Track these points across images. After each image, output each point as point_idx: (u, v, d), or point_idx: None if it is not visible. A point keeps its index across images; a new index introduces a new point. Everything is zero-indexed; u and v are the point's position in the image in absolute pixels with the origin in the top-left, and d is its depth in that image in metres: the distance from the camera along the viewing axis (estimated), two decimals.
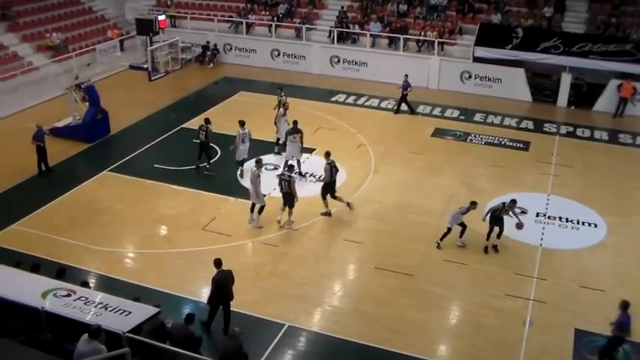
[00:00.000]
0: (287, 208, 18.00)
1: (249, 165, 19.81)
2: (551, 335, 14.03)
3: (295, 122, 21.21)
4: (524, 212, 19.00)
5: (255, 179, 17.69)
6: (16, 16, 31.65)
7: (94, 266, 16.29)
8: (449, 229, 17.07)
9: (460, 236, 17.20)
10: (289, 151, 20.90)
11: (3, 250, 16.18)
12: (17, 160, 21.64)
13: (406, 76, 27.04)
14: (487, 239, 17.11)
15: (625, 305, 12.76)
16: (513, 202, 16.93)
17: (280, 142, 22.34)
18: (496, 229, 17.01)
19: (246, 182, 19.38)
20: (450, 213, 17.42)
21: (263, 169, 18.45)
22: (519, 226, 17.04)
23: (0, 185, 20.32)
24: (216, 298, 13.64)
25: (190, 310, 13.86)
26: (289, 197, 17.82)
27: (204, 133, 20.99)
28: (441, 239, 17.16)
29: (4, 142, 23.46)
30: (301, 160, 21.11)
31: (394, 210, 19.26)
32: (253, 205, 18.12)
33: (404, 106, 27.23)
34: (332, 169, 18.61)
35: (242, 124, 20.59)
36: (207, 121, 21.42)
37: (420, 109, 27.84)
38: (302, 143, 20.92)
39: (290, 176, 17.83)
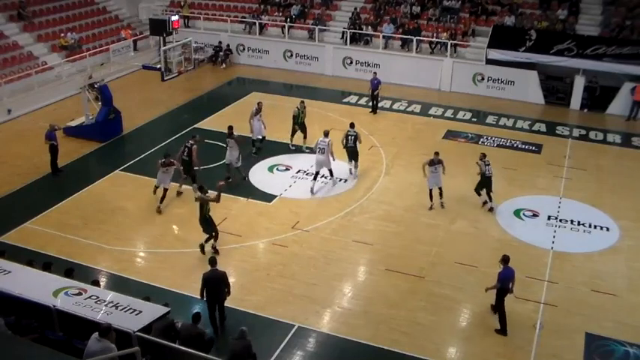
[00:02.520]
0: (353, 162, 20.85)
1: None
2: (561, 339, 13.96)
3: (230, 127, 20.68)
4: (535, 215, 19.02)
5: (329, 147, 19.77)
6: (32, 16, 31.91)
7: (105, 265, 16.39)
8: (430, 191, 19.31)
9: (440, 197, 19.36)
10: (228, 157, 20.43)
11: (16, 249, 16.26)
12: (31, 159, 21.85)
13: (375, 73, 26.93)
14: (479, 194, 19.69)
15: (505, 259, 13.92)
16: (483, 154, 19.52)
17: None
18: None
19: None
20: (430, 178, 19.26)
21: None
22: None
23: (14, 184, 20.52)
24: (208, 297, 13.70)
25: (199, 309, 13.93)
26: (354, 152, 20.62)
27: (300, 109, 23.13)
28: (431, 200, 19.38)
29: (19, 141, 23.70)
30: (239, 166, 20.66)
31: (405, 212, 19.24)
32: (316, 174, 20.17)
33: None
34: (183, 151, 19.58)
35: (326, 134, 20.33)
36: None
37: (432, 111, 27.80)
38: (239, 148, 20.39)
39: (356, 132, 20.68)
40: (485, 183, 19.08)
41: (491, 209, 19.17)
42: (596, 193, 20.66)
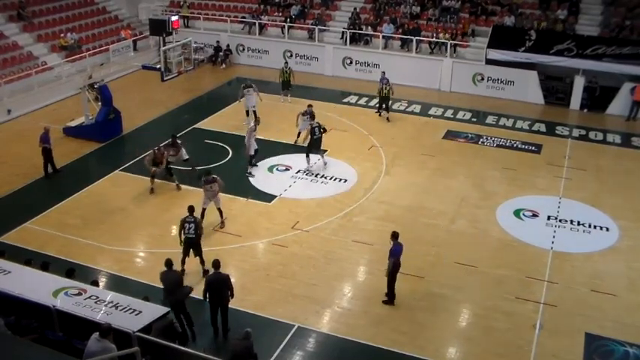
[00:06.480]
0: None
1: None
2: (561, 339, 13.96)
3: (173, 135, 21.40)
4: (535, 215, 19.01)
5: None
6: (31, 17, 31.90)
7: (105, 265, 16.38)
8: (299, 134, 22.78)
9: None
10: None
11: (16, 249, 16.25)
12: (31, 159, 21.78)
13: (383, 73, 26.99)
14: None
15: (395, 235, 14.66)
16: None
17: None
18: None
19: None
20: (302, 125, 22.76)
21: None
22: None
23: (14, 183, 20.52)
24: (211, 300, 13.69)
25: (200, 309, 13.99)
26: (319, 142, 21.39)
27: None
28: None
29: (19, 141, 23.66)
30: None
31: (405, 212, 19.24)
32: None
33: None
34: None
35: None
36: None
37: (432, 111, 27.80)
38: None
39: (318, 123, 21.77)
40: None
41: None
42: (596, 193, 20.65)
